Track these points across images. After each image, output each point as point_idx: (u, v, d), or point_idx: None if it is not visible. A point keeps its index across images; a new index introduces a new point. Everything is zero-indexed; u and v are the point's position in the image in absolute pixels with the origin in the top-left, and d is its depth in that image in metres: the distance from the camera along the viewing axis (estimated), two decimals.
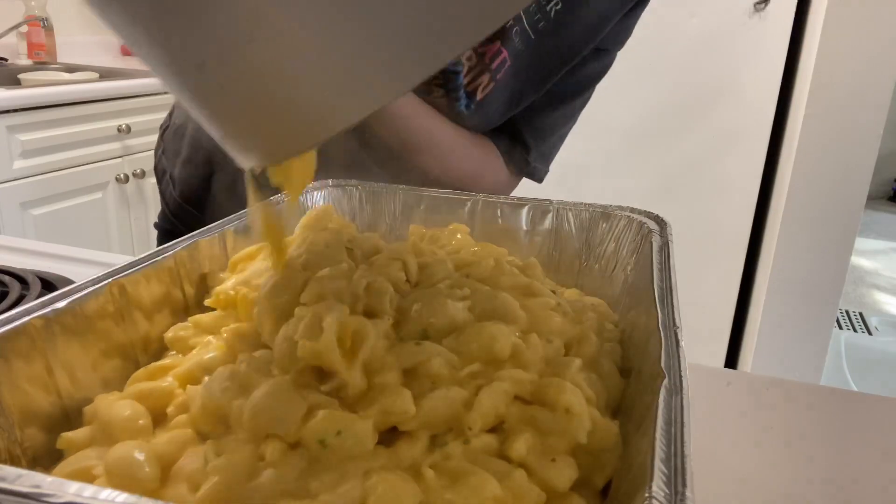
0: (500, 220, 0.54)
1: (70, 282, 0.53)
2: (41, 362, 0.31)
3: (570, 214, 0.53)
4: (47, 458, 0.30)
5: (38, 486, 0.20)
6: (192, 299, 0.42)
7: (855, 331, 2.40)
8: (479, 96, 0.66)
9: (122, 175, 1.82)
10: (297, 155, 0.29)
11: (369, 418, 0.28)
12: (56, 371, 0.32)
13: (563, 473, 0.28)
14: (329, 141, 0.26)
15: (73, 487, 0.20)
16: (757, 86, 1.61)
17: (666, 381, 0.27)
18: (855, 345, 2.15)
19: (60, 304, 0.32)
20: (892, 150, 3.69)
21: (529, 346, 0.34)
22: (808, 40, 1.54)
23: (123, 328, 0.37)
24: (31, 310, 0.31)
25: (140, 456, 0.28)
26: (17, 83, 1.82)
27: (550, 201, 0.54)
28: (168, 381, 0.34)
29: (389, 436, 0.30)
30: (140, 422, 0.31)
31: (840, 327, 2.39)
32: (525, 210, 0.54)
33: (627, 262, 0.48)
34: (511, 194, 0.67)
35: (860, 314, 2.53)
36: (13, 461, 0.29)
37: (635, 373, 0.35)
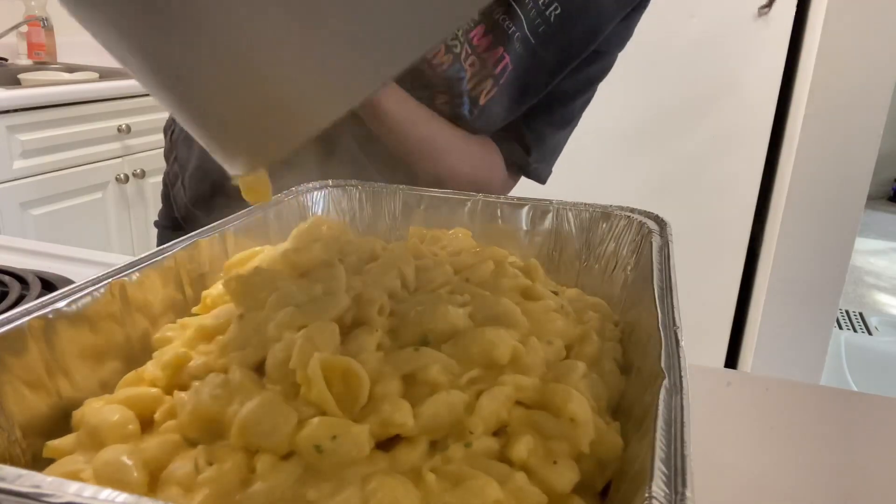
0: (500, 221, 0.54)
1: (70, 282, 0.53)
2: (41, 362, 0.31)
3: (570, 214, 0.53)
4: (47, 459, 0.30)
5: (38, 486, 0.20)
6: (192, 299, 0.42)
7: (855, 331, 2.40)
8: (482, 101, 0.67)
9: (122, 175, 1.82)
10: (279, 158, 0.30)
11: (366, 426, 0.28)
12: (56, 371, 0.32)
13: (565, 476, 0.28)
14: (329, 144, 0.27)
15: (73, 487, 0.20)
16: (757, 86, 1.61)
17: (666, 381, 0.27)
18: (855, 345, 2.15)
19: (60, 304, 0.32)
20: (892, 150, 3.68)
21: (529, 349, 0.34)
22: (808, 41, 1.54)
23: (123, 328, 0.37)
24: (31, 310, 0.31)
25: (128, 460, 0.28)
26: (17, 83, 1.82)
27: (550, 201, 0.54)
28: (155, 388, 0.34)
29: (388, 440, 0.29)
30: (129, 427, 0.30)
31: (840, 327, 2.39)
32: (525, 210, 0.54)
33: (627, 262, 0.48)
34: (511, 194, 0.67)
35: (860, 314, 2.53)
36: (13, 461, 0.29)
37: (635, 372, 0.35)
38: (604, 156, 1.71)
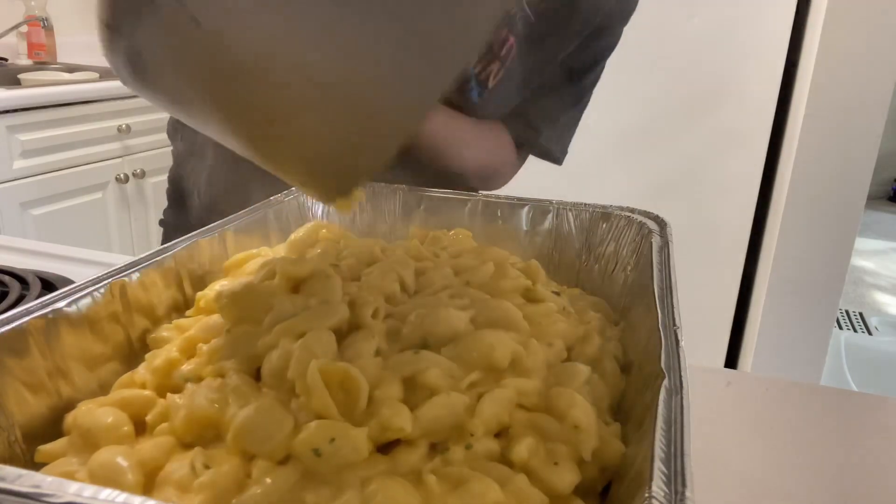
0: (500, 221, 0.54)
1: (70, 282, 0.53)
2: (41, 362, 0.31)
3: (570, 214, 0.53)
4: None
5: (38, 486, 0.20)
6: (193, 299, 0.42)
7: (855, 331, 2.39)
8: (490, 84, 0.67)
9: (122, 175, 1.82)
10: (370, 176, 0.34)
11: (364, 428, 0.28)
12: (56, 371, 0.32)
13: (565, 478, 0.28)
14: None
15: (73, 487, 0.20)
16: (757, 86, 1.61)
17: (666, 381, 0.27)
18: (855, 345, 2.15)
19: (60, 304, 0.32)
20: (892, 150, 3.68)
21: (530, 352, 0.34)
22: (808, 40, 1.54)
23: (123, 328, 0.37)
24: (31, 310, 0.31)
25: (123, 462, 0.28)
26: (17, 83, 1.82)
27: (550, 201, 0.54)
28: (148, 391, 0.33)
29: (388, 443, 0.29)
30: (123, 429, 0.30)
31: (840, 327, 2.39)
32: (525, 210, 0.54)
33: (627, 262, 0.48)
34: (511, 194, 0.67)
35: (860, 314, 2.53)
36: (13, 461, 0.29)
37: (635, 372, 0.35)
38: (604, 156, 1.71)
